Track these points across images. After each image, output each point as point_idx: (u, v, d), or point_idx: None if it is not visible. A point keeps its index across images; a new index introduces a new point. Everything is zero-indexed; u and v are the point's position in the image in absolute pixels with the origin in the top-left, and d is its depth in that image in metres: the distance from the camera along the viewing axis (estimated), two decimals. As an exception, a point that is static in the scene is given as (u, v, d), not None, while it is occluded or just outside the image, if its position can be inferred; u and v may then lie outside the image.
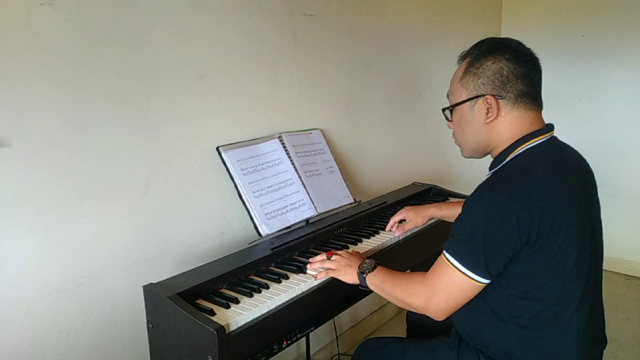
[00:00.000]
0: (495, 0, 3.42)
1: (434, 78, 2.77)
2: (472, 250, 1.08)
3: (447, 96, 1.28)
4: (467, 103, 1.20)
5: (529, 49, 1.19)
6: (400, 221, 1.73)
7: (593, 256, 1.17)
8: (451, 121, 1.29)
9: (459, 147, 1.31)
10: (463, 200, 1.67)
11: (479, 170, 3.32)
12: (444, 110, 1.29)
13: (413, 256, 1.73)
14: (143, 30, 1.43)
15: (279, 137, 1.79)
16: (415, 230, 1.74)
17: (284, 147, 1.78)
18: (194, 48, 1.56)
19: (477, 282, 1.08)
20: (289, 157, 1.78)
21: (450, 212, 1.67)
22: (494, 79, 1.15)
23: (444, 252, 1.12)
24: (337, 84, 2.12)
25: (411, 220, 1.70)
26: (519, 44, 1.19)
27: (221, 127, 1.66)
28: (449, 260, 1.10)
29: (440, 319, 1.16)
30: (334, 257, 1.41)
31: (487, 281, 1.09)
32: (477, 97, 1.18)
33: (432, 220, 1.77)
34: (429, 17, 2.70)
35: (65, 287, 1.34)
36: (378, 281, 1.29)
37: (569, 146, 1.24)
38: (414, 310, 1.21)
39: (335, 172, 1.92)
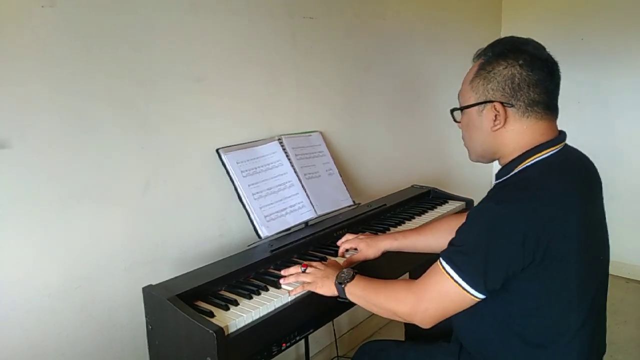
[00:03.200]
0: (495, 4, 3.43)
1: (434, 80, 2.78)
2: (472, 263, 1.04)
3: (458, 96, 1.23)
4: (475, 107, 1.16)
5: (547, 54, 1.13)
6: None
7: (602, 271, 1.15)
8: (459, 122, 1.24)
9: (466, 150, 1.27)
10: (420, 226, 1.60)
11: (479, 173, 3.33)
12: (452, 111, 1.25)
13: (407, 262, 1.69)
14: (143, 32, 1.43)
15: (279, 139, 1.80)
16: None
17: (284, 149, 1.78)
18: (193, 50, 1.56)
19: (471, 296, 1.05)
20: (289, 159, 1.78)
21: (406, 241, 1.54)
22: (504, 86, 1.10)
23: (441, 260, 1.08)
24: (336, 86, 2.13)
25: (362, 250, 1.52)
26: (537, 48, 1.12)
27: (221, 129, 1.66)
28: (445, 269, 1.06)
29: (427, 327, 1.12)
30: (309, 270, 1.34)
31: (483, 296, 1.05)
32: (485, 102, 1.13)
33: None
34: (429, 19, 2.70)
35: (65, 288, 1.34)
36: (359, 290, 1.23)
37: (581, 155, 1.19)
38: (398, 318, 1.17)
39: (334, 174, 1.93)
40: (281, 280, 1.35)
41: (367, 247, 1.52)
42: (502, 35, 3.59)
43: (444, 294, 1.07)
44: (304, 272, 1.35)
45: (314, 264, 1.38)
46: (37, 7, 1.21)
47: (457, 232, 1.10)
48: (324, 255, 1.57)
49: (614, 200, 3.05)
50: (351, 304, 1.31)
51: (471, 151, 1.25)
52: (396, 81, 2.50)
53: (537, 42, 1.14)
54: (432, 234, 1.52)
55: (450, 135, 2.94)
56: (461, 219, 1.53)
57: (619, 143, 3.12)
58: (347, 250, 1.56)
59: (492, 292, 1.06)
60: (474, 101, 1.16)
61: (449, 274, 1.05)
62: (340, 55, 2.12)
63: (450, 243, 1.10)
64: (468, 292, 1.04)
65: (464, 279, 1.04)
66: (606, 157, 3.02)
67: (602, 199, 1.20)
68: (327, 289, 1.28)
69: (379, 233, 1.70)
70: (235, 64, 1.69)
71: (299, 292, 1.31)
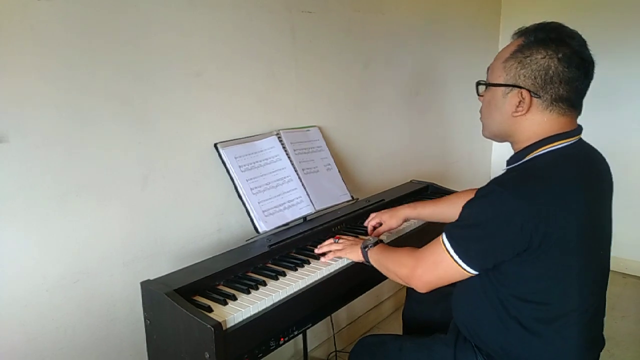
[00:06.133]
0: (494, -1, 3.43)
1: (432, 75, 2.77)
2: (469, 240, 1.09)
3: (487, 69, 1.22)
4: (502, 88, 1.14)
5: (588, 53, 1.11)
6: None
7: (601, 266, 1.16)
8: (482, 96, 1.23)
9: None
10: (438, 198, 1.67)
11: (478, 168, 3.33)
12: (478, 84, 1.23)
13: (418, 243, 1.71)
14: (141, 26, 1.42)
15: (277, 134, 1.79)
16: (415, 226, 1.76)
17: (282, 144, 1.78)
18: (191, 45, 1.56)
19: (463, 270, 1.10)
20: (287, 154, 1.78)
21: (425, 210, 1.64)
22: (537, 75, 1.09)
23: (443, 233, 1.13)
24: (335, 81, 2.12)
25: (385, 222, 1.65)
26: (581, 45, 1.10)
27: (219, 124, 1.66)
28: (443, 242, 1.12)
29: (422, 291, 1.19)
30: (340, 240, 1.48)
31: (474, 272, 1.10)
32: (513, 86, 1.12)
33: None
34: (427, 14, 2.69)
35: (63, 283, 1.34)
36: (377, 255, 1.33)
37: (594, 151, 1.20)
38: (400, 281, 1.25)
39: (333, 169, 1.93)
40: (316, 250, 1.50)
41: (389, 217, 1.65)
42: (501, 31, 3.59)
43: (438, 262, 1.13)
44: (336, 242, 1.48)
45: (345, 237, 1.52)
46: (33, 0, 1.20)
47: (463, 207, 1.13)
48: (355, 234, 1.66)
49: (613, 195, 3.06)
50: (348, 299, 1.33)
51: (486, 127, 1.25)
52: (395, 76, 2.49)
53: (582, 38, 1.12)
54: (448, 205, 1.61)
55: (448, 131, 2.94)
56: None
57: (619, 138, 3.11)
58: (374, 227, 1.69)
59: (485, 271, 1.11)
60: (502, 81, 1.14)
61: (445, 247, 1.11)
62: (339, 50, 2.12)
63: (457, 218, 1.14)
64: (461, 266, 1.10)
65: (458, 254, 1.09)
66: (605, 152, 3.01)
67: (610, 197, 1.21)
68: (355, 254, 1.41)
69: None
70: (234, 58, 1.69)
71: (330, 258, 1.45)
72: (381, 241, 1.40)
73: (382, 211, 1.69)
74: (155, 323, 1.26)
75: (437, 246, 1.14)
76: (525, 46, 1.11)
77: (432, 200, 1.68)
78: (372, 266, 1.36)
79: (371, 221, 1.68)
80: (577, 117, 1.16)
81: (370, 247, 1.37)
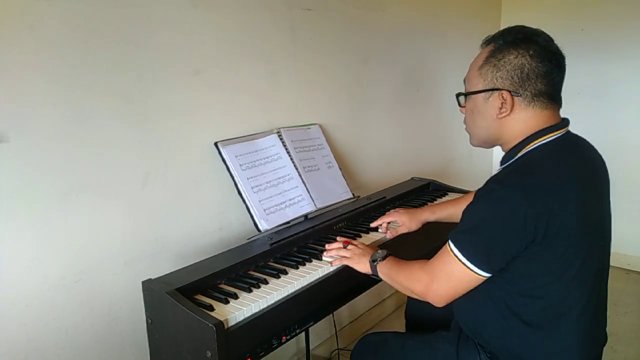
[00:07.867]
0: (495, -5, 3.41)
1: (433, 72, 2.77)
2: (476, 243, 1.08)
3: (464, 81, 1.25)
4: (482, 94, 1.17)
5: (556, 46, 1.14)
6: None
7: (601, 257, 1.16)
8: (464, 107, 1.26)
9: (467, 135, 1.28)
10: (455, 198, 1.67)
11: (479, 165, 3.32)
12: (458, 95, 1.26)
13: (419, 247, 1.69)
14: (141, 25, 1.42)
15: (278, 132, 1.79)
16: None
17: (283, 142, 1.78)
18: (192, 43, 1.55)
19: (476, 275, 1.09)
20: (288, 152, 1.77)
21: (443, 213, 1.63)
22: (513, 75, 1.12)
23: (449, 240, 1.12)
24: (335, 79, 2.12)
25: (404, 224, 1.62)
26: (547, 40, 1.14)
27: (219, 122, 1.65)
28: (451, 250, 1.10)
29: (440, 305, 1.17)
30: (349, 247, 1.44)
31: (488, 275, 1.09)
32: (493, 89, 1.15)
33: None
34: (428, 11, 2.69)
35: (64, 282, 1.34)
36: (386, 269, 1.31)
37: (584, 141, 1.21)
38: (416, 297, 1.23)
39: (334, 167, 1.92)
40: (324, 253, 1.46)
41: (409, 220, 1.62)
42: (502, 26, 3.56)
43: (451, 273, 1.12)
44: (345, 248, 1.44)
45: (355, 242, 1.47)
46: (35, 0, 1.20)
47: (464, 212, 1.13)
48: (357, 232, 1.65)
49: (614, 192, 3.04)
50: (350, 297, 1.32)
51: (473, 136, 1.27)
52: (396, 73, 2.48)
53: (546, 34, 1.15)
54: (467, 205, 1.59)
55: (449, 128, 2.94)
56: None
57: (620, 134, 3.11)
58: (389, 223, 1.65)
59: (499, 271, 1.09)
60: (481, 88, 1.17)
61: (454, 254, 1.10)
62: (340, 48, 2.11)
63: (459, 223, 1.14)
64: (473, 271, 1.08)
65: (468, 259, 1.08)
66: (606, 148, 2.99)
67: (607, 187, 1.22)
68: (363, 265, 1.37)
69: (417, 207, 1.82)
70: (234, 56, 1.68)
71: (337, 264, 1.42)
72: (390, 254, 1.36)
73: (401, 211, 1.65)
74: (157, 322, 1.26)
75: (446, 255, 1.12)
76: (496, 50, 1.15)
77: (450, 202, 1.66)
78: (379, 278, 1.34)
79: (386, 217, 1.65)
80: (559, 110, 1.18)
81: (380, 261, 1.33)
